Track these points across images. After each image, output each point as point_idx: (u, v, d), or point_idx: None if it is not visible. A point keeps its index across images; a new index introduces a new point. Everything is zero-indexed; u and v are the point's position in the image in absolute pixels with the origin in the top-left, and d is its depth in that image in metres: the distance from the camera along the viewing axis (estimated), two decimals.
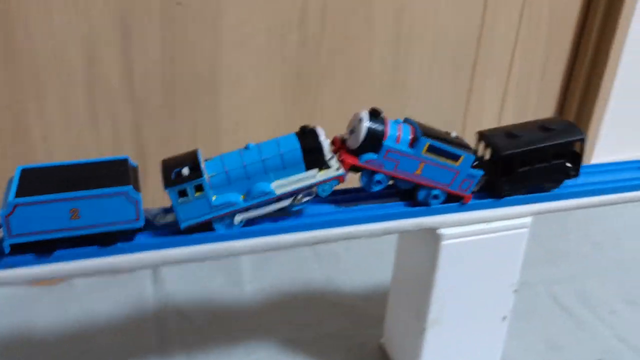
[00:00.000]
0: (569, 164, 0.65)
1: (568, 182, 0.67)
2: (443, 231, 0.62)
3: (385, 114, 0.62)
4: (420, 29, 1.06)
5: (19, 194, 0.47)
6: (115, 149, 0.94)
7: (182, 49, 0.90)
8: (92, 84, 0.87)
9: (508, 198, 0.64)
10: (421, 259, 0.67)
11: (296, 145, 0.55)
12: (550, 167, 0.64)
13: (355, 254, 1.04)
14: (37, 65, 0.83)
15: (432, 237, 0.63)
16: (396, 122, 0.60)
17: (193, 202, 0.52)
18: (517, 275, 0.69)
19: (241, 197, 0.54)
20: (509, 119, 1.23)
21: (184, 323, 0.86)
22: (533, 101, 1.25)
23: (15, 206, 0.47)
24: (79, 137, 0.90)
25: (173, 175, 0.52)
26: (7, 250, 0.48)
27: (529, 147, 0.62)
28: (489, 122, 1.22)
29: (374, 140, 0.57)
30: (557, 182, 0.66)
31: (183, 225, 0.53)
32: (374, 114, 0.58)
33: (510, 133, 0.64)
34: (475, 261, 0.66)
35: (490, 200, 0.64)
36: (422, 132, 0.59)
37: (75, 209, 0.48)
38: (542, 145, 0.63)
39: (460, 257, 0.64)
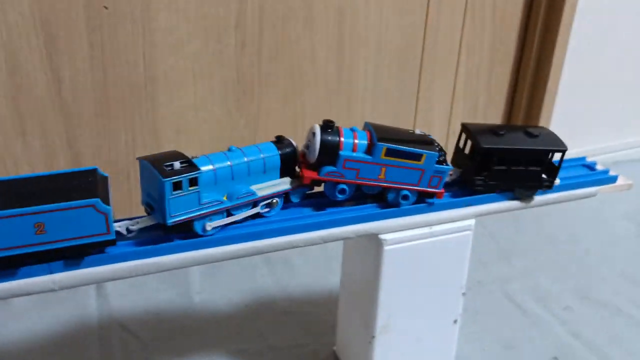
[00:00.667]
0: (544, 175, 0.65)
1: None
2: (385, 237, 0.60)
3: (331, 117, 0.61)
4: (363, 30, 1.04)
5: None
6: (47, 160, 0.88)
7: (113, 55, 0.86)
8: (16, 94, 0.82)
9: (449, 201, 0.62)
10: (365, 266, 0.64)
11: (275, 152, 0.58)
12: (526, 172, 0.64)
13: (308, 259, 1.01)
14: None
15: (375, 243, 0.61)
16: (351, 130, 0.59)
17: (185, 196, 0.51)
18: (464, 278, 0.67)
19: (224, 198, 0.54)
20: (459, 119, 1.23)
21: (129, 338, 0.81)
22: (482, 100, 1.24)
23: None
24: (7, 148, 0.85)
25: (167, 169, 0.50)
26: None
27: (509, 146, 0.62)
28: (439, 122, 1.21)
29: (329, 152, 0.57)
30: (530, 190, 0.65)
31: (170, 221, 0.51)
32: (327, 126, 0.58)
33: (494, 131, 0.64)
34: (421, 266, 0.63)
35: (428, 204, 0.62)
36: (377, 137, 0.57)
37: (41, 223, 0.46)
38: (523, 147, 0.63)
39: (405, 263, 0.62)
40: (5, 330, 0.82)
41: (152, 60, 0.89)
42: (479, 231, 1.12)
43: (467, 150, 0.65)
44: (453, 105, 1.21)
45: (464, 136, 0.66)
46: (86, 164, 0.91)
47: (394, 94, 1.13)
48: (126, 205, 0.95)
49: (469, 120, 1.24)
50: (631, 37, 1.33)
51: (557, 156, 0.65)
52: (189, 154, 0.55)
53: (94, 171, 0.52)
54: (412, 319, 0.66)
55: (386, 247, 0.60)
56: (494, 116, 1.27)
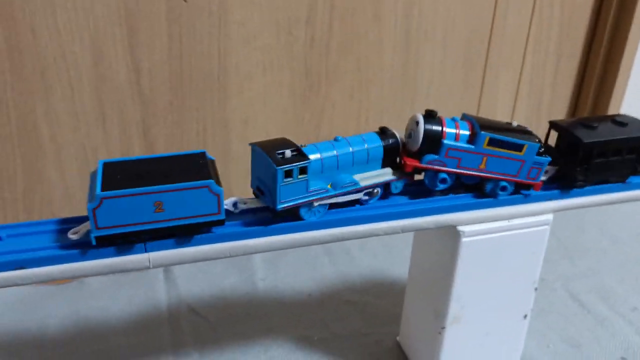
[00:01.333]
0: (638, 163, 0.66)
1: None
2: (463, 228, 0.61)
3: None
4: (430, 25, 1.04)
5: (104, 187, 0.48)
6: (123, 147, 0.92)
7: (189, 46, 0.89)
8: (99, 82, 0.86)
9: (531, 195, 0.63)
10: (440, 257, 0.65)
11: (379, 142, 0.59)
12: (623, 161, 0.65)
13: (368, 250, 1.02)
14: (43, 65, 0.82)
15: (452, 234, 0.61)
16: (453, 119, 0.61)
17: (295, 184, 0.53)
18: (538, 272, 0.67)
19: (328, 186, 0.56)
20: (522, 115, 1.21)
21: (198, 321, 0.84)
22: (547, 97, 1.23)
23: (102, 199, 0.48)
24: (87, 136, 0.89)
25: (278, 157, 0.53)
26: (93, 242, 0.49)
27: (609, 138, 0.63)
28: (502, 118, 1.20)
29: (433, 141, 0.58)
30: (623, 177, 0.66)
31: (279, 207, 0.53)
32: (430, 115, 0.59)
33: (585, 124, 0.64)
34: (496, 259, 0.64)
35: (524, 195, 0.62)
36: (480, 127, 0.59)
37: (160, 202, 0.49)
38: (622, 137, 0.63)
39: (481, 255, 0.63)
40: (82, 309, 0.86)
41: (225, 52, 0.91)
42: None
43: (560, 147, 0.66)
44: (517, 101, 1.20)
45: (553, 133, 0.66)
46: (159, 152, 0.94)
47: (458, 89, 1.12)
48: None
49: (532, 116, 1.23)
50: None
51: None
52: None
53: (203, 154, 0.54)
54: (483, 311, 0.67)
55: (464, 239, 0.61)
56: (558, 113, 1.26)
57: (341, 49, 0.99)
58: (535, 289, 0.68)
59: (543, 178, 0.63)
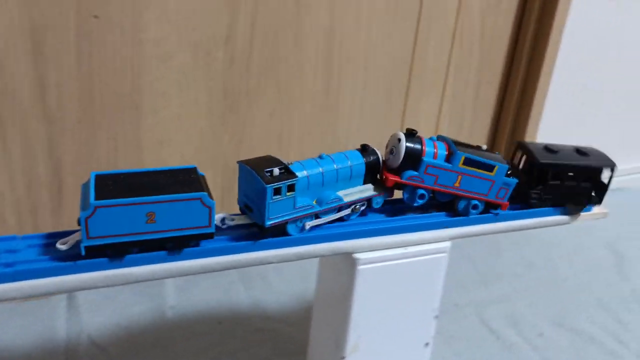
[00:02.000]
0: (593, 192, 0.70)
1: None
2: (359, 256, 0.60)
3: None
4: (352, 50, 1.05)
5: (98, 196, 0.48)
6: (26, 167, 0.88)
7: (100, 63, 0.86)
8: None
9: (426, 223, 0.63)
10: (338, 285, 0.64)
11: (361, 160, 0.61)
12: (578, 187, 0.68)
13: (286, 275, 1.01)
14: None
15: (349, 261, 0.61)
16: (431, 139, 0.64)
17: (283, 201, 0.55)
18: (437, 301, 0.67)
19: (313, 202, 0.58)
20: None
21: (96, 354, 0.80)
22: (467, 122, 1.26)
23: (96, 208, 0.48)
24: None
25: (267, 175, 0.54)
26: (82, 252, 0.49)
27: (565, 162, 0.67)
28: None
29: (413, 158, 0.61)
30: (580, 204, 0.70)
31: (268, 223, 0.55)
32: (411, 134, 0.61)
33: (548, 148, 0.69)
34: (394, 286, 0.63)
35: (407, 224, 0.62)
36: (456, 147, 0.62)
37: (152, 213, 0.50)
38: (577, 163, 0.67)
39: (378, 283, 0.62)
40: None
41: (139, 70, 0.89)
42: (457, 254, 1.14)
43: (520, 166, 0.70)
44: (439, 124, 1.22)
45: (519, 153, 0.70)
46: (66, 173, 0.90)
47: (381, 113, 1.14)
48: None
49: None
50: (618, 60, 1.36)
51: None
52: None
53: (194, 169, 0.55)
54: (383, 340, 0.66)
55: (360, 267, 0.60)
56: (480, 135, 1.29)
57: (262, 70, 0.98)
58: (436, 317, 0.68)
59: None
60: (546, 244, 1.20)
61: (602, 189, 0.70)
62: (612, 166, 0.70)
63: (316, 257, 0.58)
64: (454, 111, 1.22)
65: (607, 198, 0.72)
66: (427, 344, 0.70)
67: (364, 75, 1.08)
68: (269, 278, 1.00)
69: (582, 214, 0.72)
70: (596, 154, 0.71)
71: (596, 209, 0.74)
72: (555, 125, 1.33)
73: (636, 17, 1.33)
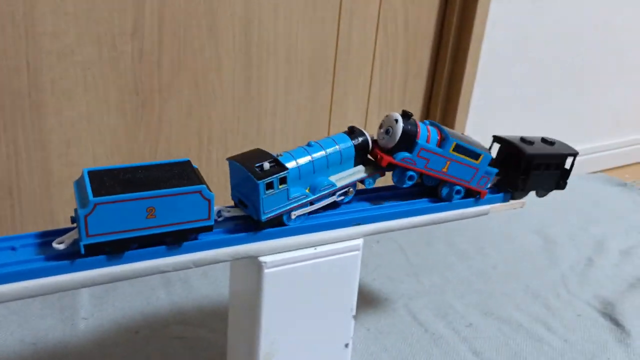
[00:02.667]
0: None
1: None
2: (265, 259, 0.57)
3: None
4: (272, 40, 1.01)
5: (96, 193, 0.47)
6: None
7: None
8: None
9: (336, 220, 0.60)
10: (247, 290, 0.61)
11: (350, 143, 0.61)
12: (550, 175, 0.72)
13: (210, 279, 0.96)
14: None
15: (255, 265, 0.57)
16: (424, 123, 0.64)
17: (276, 194, 0.54)
18: (354, 300, 0.64)
19: (306, 191, 0.58)
20: (374, 131, 1.22)
21: None
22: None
23: (96, 205, 0.46)
24: None
25: (257, 169, 0.54)
26: (82, 251, 0.48)
27: (546, 152, 0.70)
28: None
29: (408, 140, 0.61)
30: (547, 190, 0.75)
31: (264, 217, 0.55)
32: (406, 116, 0.61)
33: (524, 140, 0.71)
34: (306, 289, 0.60)
35: (316, 223, 0.59)
36: (448, 133, 0.63)
37: (152, 208, 0.49)
38: (554, 152, 0.71)
39: (288, 286, 0.59)
40: None
41: (37, 67, 0.82)
42: (389, 246, 1.12)
43: (500, 159, 0.72)
44: (367, 118, 1.20)
45: (496, 146, 0.73)
46: None
47: (306, 106, 1.10)
48: (8, 223, 0.88)
49: None
50: (540, 51, 1.37)
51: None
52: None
53: (188, 162, 0.54)
54: (299, 345, 0.63)
55: (267, 270, 0.57)
56: None
57: (175, 64, 0.93)
58: (354, 316, 0.66)
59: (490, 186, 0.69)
60: (478, 232, 1.20)
61: (567, 174, 0.74)
62: (575, 154, 0.73)
63: (213, 263, 0.55)
64: (383, 104, 1.20)
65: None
66: (347, 345, 0.67)
67: (286, 67, 1.05)
68: (191, 282, 0.95)
69: (501, 204, 0.71)
70: (559, 143, 0.74)
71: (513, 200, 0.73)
72: (483, 114, 1.33)
73: (556, 5, 1.35)
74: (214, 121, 1.01)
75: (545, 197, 0.77)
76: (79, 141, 0.90)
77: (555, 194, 0.77)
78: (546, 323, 0.93)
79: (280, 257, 0.57)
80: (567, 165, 0.74)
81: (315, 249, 0.59)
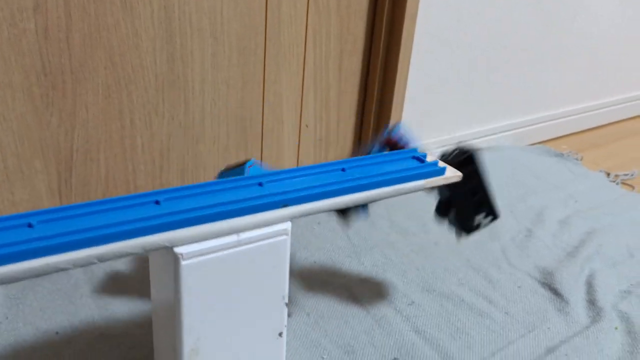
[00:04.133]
0: None
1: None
2: (181, 250, 0.52)
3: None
4: (195, 16, 0.94)
5: None
6: None
7: None
8: None
9: (260, 204, 0.56)
10: (165, 284, 0.56)
11: None
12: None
13: (140, 272, 0.90)
14: None
15: (171, 257, 0.52)
16: None
17: None
18: (285, 287, 0.61)
19: None
20: (311, 110, 1.18)
21: None
22: (334, 92, 1.20)
23: None
24: None
25: None
26: None
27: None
28: (290, 115, 1.15)
29: None
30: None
31: None
32: None
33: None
34: (231, 278, 0.56)
35: (238, 207, 0.54)
36: None
37: None
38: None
39: (210, 277, 0.54)
40: None
41: None
42: (330, 227, 1.09)
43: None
44: (303, 97, 1.16)
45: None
46: None
47: (237, 85, 1.05)
48: None
49: (321, 111, 1.19)
50: (476, 25, 1.36)
51: None
52: None
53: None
54: (227, 338, 0.59)
55: (184, 262, 0.52)
56: (347, 108, 1.24)
57: (87, 41, 0.85)
58: (286, 303, 0.62)
59: None
60: (418, 209, 1.18)
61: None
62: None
63: (121, 256, 0.49)
64: (318, 82, 1.16)
65: None
66: (280, 334, 0.63)
67: (212, 43, 0.98)
68: (118, 275, 0.89)
69: (434, 178, 0.69)
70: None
71: (449, 172, 0.70)
72: (421, 89, 1.31)
73: None
74: (135, 103, 0.94)
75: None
76: None
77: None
78: (487, 296, 0.92)
79: (199, 246, 0.52)
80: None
81: (239, 235, 0.55)
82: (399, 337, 0.82)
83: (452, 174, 0.71)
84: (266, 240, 0.56)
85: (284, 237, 0.57)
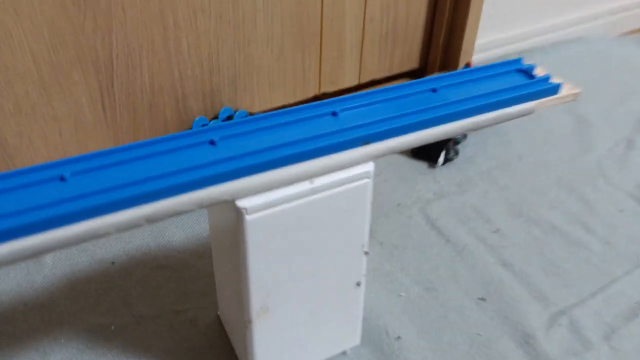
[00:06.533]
0: None
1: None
2: (244, 203, 0.42)
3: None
4: None
5: None
6: None
7: None
8: None
9: (335, 142, 0.44)
10: (228, 238, 0.47)
11: None
12: None
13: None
14: None
15: (232, 211, 0.43)
16: None
17: None
18: (365, 235, 0.51)
19: None
20: (377, 3, 1.01)
21: None
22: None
23: None
24: None
25: None
26: None
27: None
28: (353, 7, 0.99)
29: None
30: None
31: None
32: None
33: None
34: (303, 232, 0.47)
35: (308, 149, 0.44)
36: None
37: None
38: None
39: (278, 231, 0.45)
40: None
41: None
42: None
43: None
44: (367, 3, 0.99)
45: None
46: None
47: None
48: None
49: (388, 3, 1.03)
50: None
51: None
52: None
53: None
54: (300, 293, 0.51)
55: (248, 217, 0.43)
56: (418, 3, 1.07)
57: None
58: (365, 252, 0.53)
59: None
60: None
61: None
62: None
63: (173, 215, 0.40)
64: None
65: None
66: (359, 284, 0.55)
67: None
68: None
69: (546, 99, 0.55)
70: None
71: (565, 90, 0.56)
72: None
73: None
74: (178, 1, 0.81)
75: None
76: (10, 37, 0.72)
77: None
78: (584, 222, 0.81)
79: (265, 197, 0.43)
80: None
81: (312, 182, 0.44)
82: (484, 271, 0.73)
83: (568, 92, 0.57)
84: (344, 185, 0.46)
85: (366, 180, 0.47)
